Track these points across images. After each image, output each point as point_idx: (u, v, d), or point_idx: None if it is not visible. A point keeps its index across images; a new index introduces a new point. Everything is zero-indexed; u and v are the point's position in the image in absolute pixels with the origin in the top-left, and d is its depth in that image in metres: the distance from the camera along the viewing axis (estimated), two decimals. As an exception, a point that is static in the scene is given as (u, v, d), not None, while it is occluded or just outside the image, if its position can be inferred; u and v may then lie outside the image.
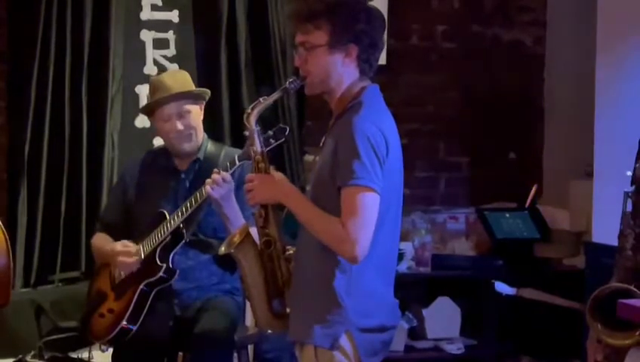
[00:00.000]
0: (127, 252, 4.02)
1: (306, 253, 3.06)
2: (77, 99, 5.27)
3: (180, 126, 4.03)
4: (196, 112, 4.10)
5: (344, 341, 2.98)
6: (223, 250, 3.22)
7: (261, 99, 3.21)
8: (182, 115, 4.05)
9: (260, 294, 3.15)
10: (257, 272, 3.14)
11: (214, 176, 3.83)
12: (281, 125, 3.75)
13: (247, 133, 3.18)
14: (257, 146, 3.15)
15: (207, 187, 3.82)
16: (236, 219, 3.89)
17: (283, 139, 3.70)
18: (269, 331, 3.26)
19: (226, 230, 3.92)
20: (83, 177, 5.27)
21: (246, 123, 3.16)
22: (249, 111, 3.16)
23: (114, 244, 4.08)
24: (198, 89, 4.16)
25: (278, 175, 3.13)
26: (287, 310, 3.13)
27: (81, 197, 5.26)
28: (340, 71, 3.05)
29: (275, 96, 3.17)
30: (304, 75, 3.07)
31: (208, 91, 4.20)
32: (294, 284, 3.11)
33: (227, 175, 3.83)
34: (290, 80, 3.12)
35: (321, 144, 3.12)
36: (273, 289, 3.15)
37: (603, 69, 4.92)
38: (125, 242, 4.06)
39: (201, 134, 4.13)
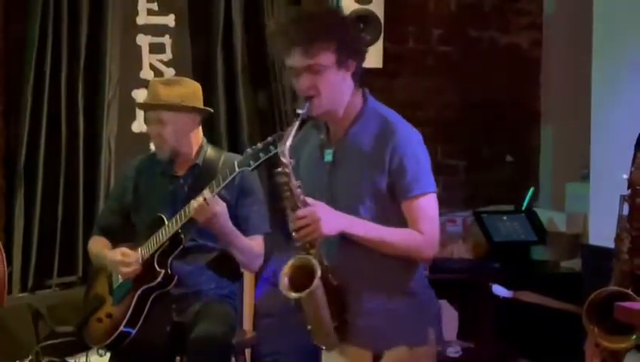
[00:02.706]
0: (126, 263, 4.01)
1: (367, 263, 3.06)
2: (73, 103, 5.27)
3: (152, 132, 4.10)
4: (180, 125, 4.06)
5: (431, 333, 3.11)
6: (293, 295, 2.99)
7: (280, 134, 3.20)
8: (159, 124, 4.05)
9: (326, 317, 3.03)
10: (323, 300, 3.02)
11: (198, 201, 3.82)
12: (281, 132, 3.74)
13: (280, 169, 3.02)
14: (294, 180, 3.00)
15: (192, 210, 3.82)
16: (230, 239, 3.92)
17: None
18: (331, 348, 3.14)
19: (224, 247, 3.95)
20: (80, 181, 5.27)
21: (283, 159, 3.01)
22: (282, 148, 3.02)
23: (113, 253, 4.08)
24: (178, 104, 4.07)
25: (322, 204, 3.02)
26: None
27: (77, 201, 5.26)
28: (344, 87, 3.08)
29: (295, 125, 3.04)
30: (311, 96, 3.02)
31: (199, 108, 4.14)
32: (363, 297, 3.07)
33: (210, 198, 3.81)
34: (301, 108, 3.04)
35: (329, 157, 3.09)
36: (334, 310, 3.05)
37: (599, 72, 4.92)
38: (124, 250, 4.05)
39: (178, 145, 4.08)
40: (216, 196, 3.80)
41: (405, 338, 3.08)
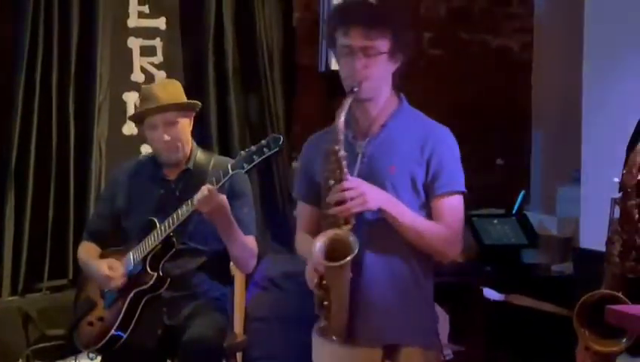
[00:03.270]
0: (111, 277, 4.01)
1: (392, 257, 3.08)
2: (64, 106, 5.25)
3: (166, 137, 4.02)
4: (184, 124, 4.08)
5: (438, 339, 3.21)
6: (330, 264, 2.95)
7: (273, 136, 3.40)
8: (169, 126, 4.03)
9: (343, 301, 3.02)
10: (349, 279, 3.00)
11: (200, 193, 3.80)
12: (274, 135, 3.75)
13: (333, 139, 3.02)
14: (342, 152, 3.02)
15: (196, 201, 3.80)
16: (232, 232, 3.91)
17: (277, 149, 3.69)
18: (339, 339, 3.11)
19: (225, 241, 3.94)
20: (70, 185, 5.26)
21: (339, 126, 3.01)
22: (338, 121, 3.02)
23: (100, 264, 4.07)
24: (187, 101, 4.12)
25: (361, 180, 3.04)
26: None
27: (68, 204, 5.25)
28: (388, 79, 3.13)
29: (349, 100, 3.05)
30: (361, 80, 3.04)
31: (198, 103, 4.17)
32: (379, 290, 3.08)
33: (213, 190, 3.80)
34: (353, 86, 3.05)
35: (361, 148, 3.09)
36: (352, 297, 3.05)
37: (590, 75, 4.93)
38: (111, 262, 4.05)
39: (188, 145, 4.11)
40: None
41: (417, 340, 3.12)
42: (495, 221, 5.62)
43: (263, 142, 3.69)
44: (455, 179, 3.13)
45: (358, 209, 2.96)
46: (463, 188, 3.14)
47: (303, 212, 3.35)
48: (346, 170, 2.99)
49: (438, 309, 5.49)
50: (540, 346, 5.23)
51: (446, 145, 3.14)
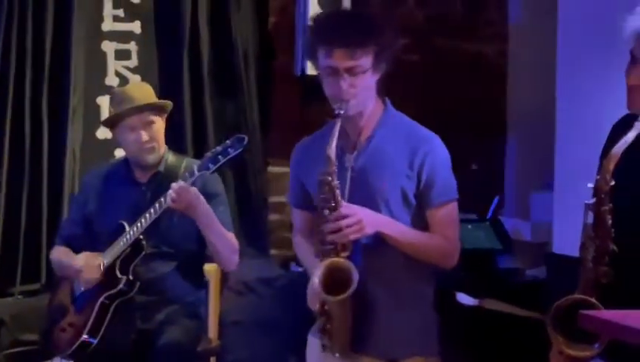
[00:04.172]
0: (88, 268, 3.99)
1: (392, 271, 3.08)
2: (37, 110, 5.23)
3: (145, 137, 4.01)
4: (159, 124, 4.09)
5: (437, 345, 3.20)
6: (333, 298, 2.95)
7: (238, 136, 3.35)
8: (147, 126, 4.03)
9: (345, 323, 3.03)
10: (348, 303, 3.01)
11: (172, 190, 3.80)
12: (238, 135, 3.75)
13: (325, 170, 2.98)
14: (335, 181, 2.99)
15: (169, 201, 3.80)
16: (213, 224, 3.90)
17: (241, 149, 3.70)
18: (342, 354, 3.09)
19: (206, 240, 3.93)
20: (44, 189, 5.23)
21: (330, 160, 2.98)
22: (329, 150, 2.98)
23: (75, 259, 4.06)
24: (161, 101, 4.14)
25: (356, 206, 3.02)
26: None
27: (41, 208, 5.22)
28: (374, 88, 3.14)
29: (338, 125, 3.02)
30: (348, 99, 3.01)
31: (171, 103, 4.18)
32: (381, 306, 3.08)
33: (184, 184, 3.80)
34: (339, 107, 3.01)
35: (350, 162, 3.07)
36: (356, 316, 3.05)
37: (564, 82, 4.95)
38: (89, 255, 4.03)
39: (163, 146, 4.11)
40: None
41: (421, 349, 3.13)
42: (469, 226, 5.63)
43: (228, 142, 3.71)
44: (449, 187, 3.15)
45: (355, 236, 2.95)
46: (457, 195, 3.16)
47: (297, 217, 3.38)
48: (340, 198, 2.97)
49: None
50: (514, 351, 5.24)
51: (436, 155, 3.14)
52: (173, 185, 3.80)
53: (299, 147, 3.34)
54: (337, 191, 2.97)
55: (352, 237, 2.95)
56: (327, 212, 2.97)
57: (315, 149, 3.17)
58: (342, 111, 3.00)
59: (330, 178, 2.97)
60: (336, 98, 3.02)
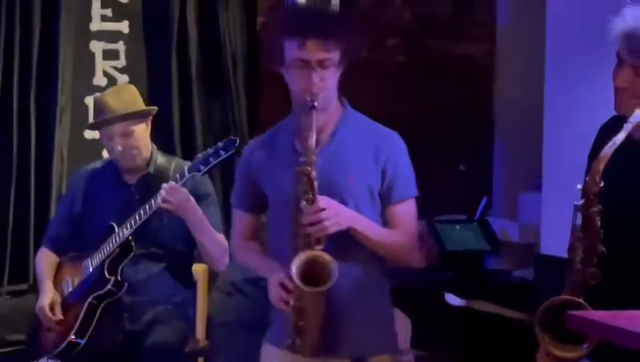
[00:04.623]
0: (47, 316, 4.03)
1: (356, 268, 3.05)
2: (25, 110, 5.22)
3: (119, 148, 3.99)
4: (140, 131, 4.04)
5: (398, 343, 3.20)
6: (313, 289, 2.90)
7: (230, 138, 3.31)
8: (124, 137, 4.00)
9: (320, 320, 2.97)
10: (324, 298, 2.96)
11: (163, 190, 3.80)
12: (231, 137, 3.75)
13: (304, 159, 2.95)
14: (315, 173, 2.95)
15: (159, 201, 3.80)
16: (203, 224, 3.90)
17: (233, 151, 3.69)
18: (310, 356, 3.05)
19: (197, 241, 3.93)
20: (31, 189, 5.22)
21: (311, 145, 2.95)
22: (310, 142, 2.95)
23: (44, 295, 4.08)
24: (140, 110, 4.08)
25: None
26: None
27: (29, 209, 5.21)
28: (336, 87, 3.09)
29: (314, 118, 2.97)
30: (318, 92, 2.98)
31: (154, 108, 4.14)
32: (347, 303, 3.03)
33: (175, 185, 3.80)
34: (311, 100, 2.98)
35: (311, 158, 2.97)
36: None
37: (552, 83, 4.96)
38: (54, 300, 4.05)
39: (147, 150, 4.08)
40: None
41: (388, 347, 3.13)
42: (457, 227, 5.64)
43: (220, 144, 3.70)
44: (410, 184, 3.14)
45: (333, 229, 2.93)
46: (416, 193, 3.15)
47: (241, 220, 3.28)
48: (317, 190, 2.94)
49: (400, 314, 5.53)
50: (502, 351, 5.25)
51: (399, 152, 3.15)
52: (164, 185, 3.80)
53: (250, 147, 3.25)
54: (315, 183, 2.94)
55: (331, 230, 2.92)
56: (304, 203, 2.94)
57: (269, 148, 3.15)
58: (316, 103, 2.97)
59: (309, 168, 2.94)
60: (306, 92, 2.98)
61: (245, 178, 3.22)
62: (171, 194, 3.77)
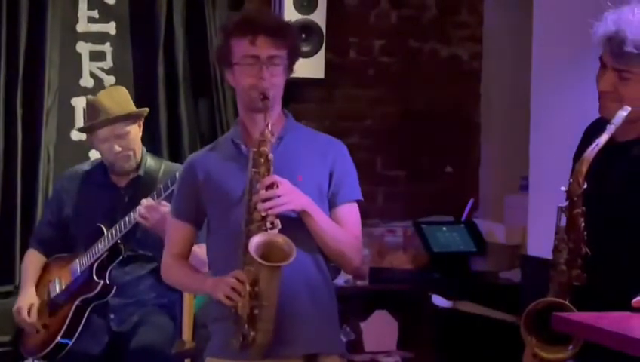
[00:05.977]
0: (23, 319, 4.04)
1: (307, 264, 3.06)
2: (11, 111, 5.20)
3: (117, 148, 4.00)
4: (134, 132, 4.06)
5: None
6: (270, 264, 2.85)
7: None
8: (120, 138, 4.00)
9: (273, 314, 2.92)
10: (279, 281, 2.91)
11: (141, 206, 3.79)
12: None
13: (263, 138, 2.96)
14: (271, 153, 2.96)
15: (139, 217, 3.79)
16: None
17: None
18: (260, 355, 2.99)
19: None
20: (17, 190, 5.20)
21: (267, 132, 2.96)
22: (268, 121, 2.97)
23: (23, 299, 4.09)
24: (135, 111, 4.10)
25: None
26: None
27: (15, 210, 5.19)
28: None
29: (269, 111, 3.01)
30: (269, 88, 3.02)
31: (146, 110, 4.16)
32: (297, 300, 3.02)
33: (153, 203, 3.78)
34: (261, 93, 3.01)
35: (268, 141, 2.98)
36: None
37: (538, 85, 4.97)
38: (34, 302, 4.07)
39: (139, 152, 4.09)
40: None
41: (337, 347, 3.14)
42: (444, 228, 5.66)
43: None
44: (356, 188, 3.18)
45: (287, 206, 2.92)
46: (360, 196, 3.18)
47: (177, 231, 3.23)
48: (272, 172, 2.95)
49: (387, 316, 5.54)
50: (488, 353, 5.26)
51: (345, 157, 3.18)
52: (143, 201, 3.79)
53: (195, 158, 3.24)
54: (272, 168, 2.94)
55: (285, 207, 2.92)
56: (259, 185, 2.94)
57: (213, 156, 3.17)
58: (263, 101, 2.99)
59: (267, 150, 2.95)
60: (256, 88, 3.02)
61: (187, 187, 3.20)
62: (148, 212, 3.77)
